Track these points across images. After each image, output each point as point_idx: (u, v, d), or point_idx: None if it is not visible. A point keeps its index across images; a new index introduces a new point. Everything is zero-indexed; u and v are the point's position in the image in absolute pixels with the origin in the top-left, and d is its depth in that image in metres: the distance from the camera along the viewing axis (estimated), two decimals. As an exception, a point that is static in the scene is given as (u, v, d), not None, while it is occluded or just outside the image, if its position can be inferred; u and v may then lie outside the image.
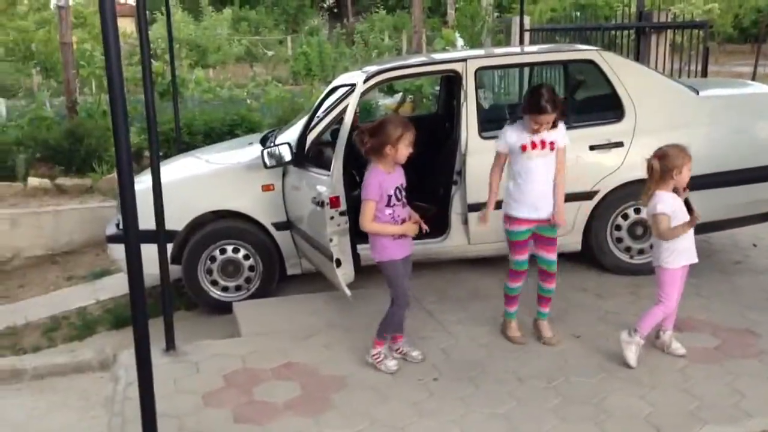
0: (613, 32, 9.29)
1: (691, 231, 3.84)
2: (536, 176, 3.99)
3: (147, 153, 10.14)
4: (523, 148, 3.95)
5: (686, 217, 3.79)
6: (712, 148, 5.09)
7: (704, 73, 7.76)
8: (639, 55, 8.74)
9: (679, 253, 3.80)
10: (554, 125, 3.98)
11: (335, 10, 39.02)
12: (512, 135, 4.00)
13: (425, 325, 4.52)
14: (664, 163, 3.73)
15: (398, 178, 3.85)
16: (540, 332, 4.23)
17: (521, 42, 9.39)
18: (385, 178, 3.77)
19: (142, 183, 4.81)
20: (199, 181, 5.44)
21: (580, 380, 3.75)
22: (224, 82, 13.06)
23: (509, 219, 4.08)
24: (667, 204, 3.75)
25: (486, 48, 12.03)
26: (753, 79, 11.52)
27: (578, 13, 12.01)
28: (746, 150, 5.21)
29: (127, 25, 18.76)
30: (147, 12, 3.93)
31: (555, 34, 10.74)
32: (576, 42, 9.60)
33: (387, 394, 3.70)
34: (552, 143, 3.99)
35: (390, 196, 3.79)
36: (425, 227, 3.92)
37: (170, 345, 4.23)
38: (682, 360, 3.91)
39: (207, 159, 5.87)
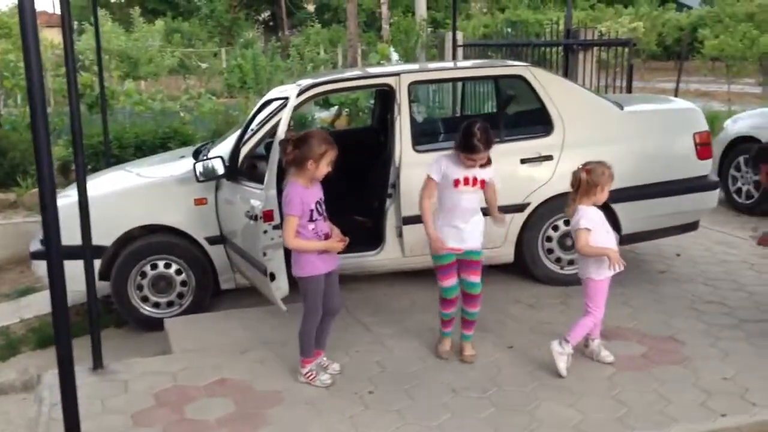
0: (542, 49, 9.54)
1: (616, 243, 3.97)
2: (465, 210, 4.01)
3: (73, 166, 9.92)
4: (456, 182, 3.95)
5: (608, 230, 3.90)
6: (636, 161, 5.28)
7: (629, 89, 8.05)
8: (567, 71, 9.01)
9: (606, 265, 3.91)
10: (488, 162, 4.00)
11: (270, 24, 38.89)
12: (447, 166, 3.98)
13: (361, 338, 4.52)
14: (590, 178, 3.84)
15: (317, 192, 3.83)
16: (461, 351, 4.21)
17: (454, 57, 9.54)
18: (305, 193, 3.74)
19: (69, 197, 4.69)
20: (129, 194, 5.31)
21: (513, 390, 3.81)
22: (156, 95, 12.80)
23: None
24: (589, 219, 3.85)
25: (420, 62, 12.18)
26: (676, 95, 12.02)
27: (509, 30, 12.28)
28: (667, 163, 5.41)
29: (54, 36, 18.23)
30: (75, 22, 3.85)
31: (487, 50, 10.96)
32: (508, 57, 9.84)
33: (322, 408, 3.67)
34: (483, 181, 4.02)
35: (312, 211, 3.77)
36: (346, 241, 3.84)
37: (98, 363, 4.11)
38: (610, 368, 4.02)
39: (137, 172, 5.74)
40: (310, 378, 3.94)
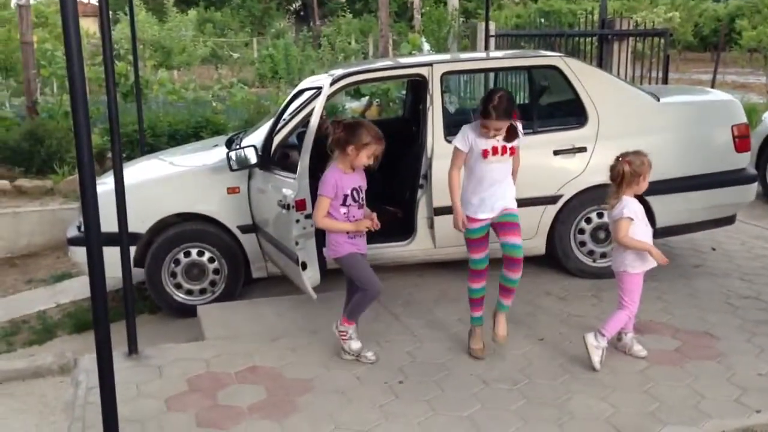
0: (576, 39, 9.43)
1: (651, 237, 3.92)
2: (494, 180, 3.97)
3: (110, 154, 10.07)
4: (484, 153, 3.91)
5: (646, 223, 3.87)
6: (671, 153, 5.20)
7: (665, 80, 7.93)
8: (601, 61, 8.90)
9: (643, 259, 3.87)
10: (514, 135, 3.95)
11: (301, 14, 38.97)
12: (474, 137, 3.95)
13: (390, 328, 4.53)
14: (632, 169, 3.80)
15: (357, 179, 3.89)
16: (495, 325, 4.09)
17: (486, 47, 9.48)
18: (342, 177, 3.83)
19: (105, 185, 4.75)
20: (163, 183, 5.38)
21: (544, 382, 3.79)
22: (189, 84, 12.92)
23: (467, 218, 4.03)
24: (632, 210, 3.83)
25: (452, 53, 12.11)
26: (712, 86, 11.80)
27: (543, 20, 12.16)
28: (704, 156, 5.33)
29: (89, 25, 18.47)
30: (110, 12, 3.90)
31: (520, 40, 10.86)
32: (540, 48, 9.73)
33: (352, 396, 3.69)
34: (512, 149, 3.99)
35: (346, 196, 3.84)
36: (377, 224, 3.90)
37: (133, 349, 4.17)
38: (643, 362, 3.98)
39: (171, 161, 5.81)
40: (344, 337, 4.03)
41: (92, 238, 2.57)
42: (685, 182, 5.22)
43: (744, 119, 5.42)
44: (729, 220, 5.56)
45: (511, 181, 4.08)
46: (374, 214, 3.96)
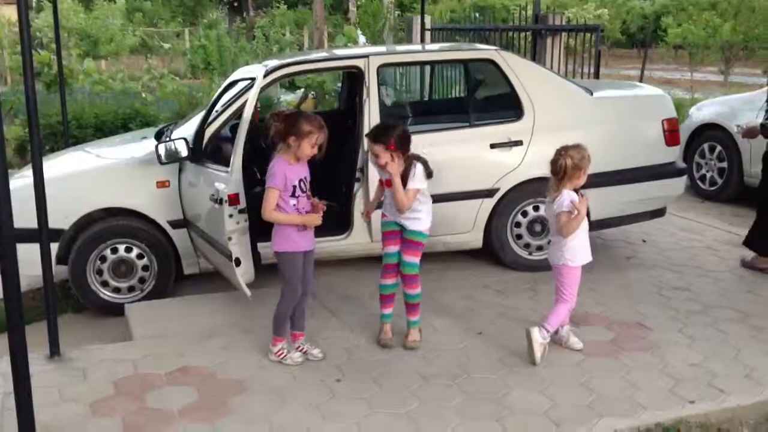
0: (510, 34, 9.50)
1: (586, 232, 3.94)
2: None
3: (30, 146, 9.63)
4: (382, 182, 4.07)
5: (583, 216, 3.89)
6: (605, 147, 5.24)
7: (596, 75, 8.03)
8: (535, 56, 8.96)
9: (582, 252, 3.89)
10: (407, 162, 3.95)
11: (235, 4, 38.23)
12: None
13: (328, 324, 4.44)
14: (574, 162, 3.80)
15: (302, 170, 3.85)
16: (406, 336, 4.16)
17: (422, 40, 9.45)
18: (289, 169, 3.77)
19: (26, 178, 4.51)
20: (89, 176, 5.14)
21: (482, 377, 3.77)
22: (117, 74, 12.49)
23: (382, 214, 4.15)
24: (571, 202, 3.83)
25: (389, 46, 12.05)
26: (641, 81, 12.08)
27: (477, 15, 12.22)
28: (636, 150, 5.41)
29: (12, 13, 17.68)
30: (31, -3, 3.67)
31: (455, 34, 10.88)
32: (475, 42, 9.75)
33: (288, 396, 3.59)
34: (388, 182, 3.98)
35: (294, 187, 3.78)
36: (322, 209, 3.87)
37: (54, 350, 3.96)
38: (579, 354, 4.00)
39: (98, 153, 5.57)
40: (281, 356, 3.91)
41: (4, 235, 2.39)
42: (619, 175, 5.29)
43: (674, 113, 5.53)
44: (660, 213, 5.67)
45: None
46: (322, 204, 3.88)
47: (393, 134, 3.88)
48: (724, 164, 7.60)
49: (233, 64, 16.56)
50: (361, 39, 12.95)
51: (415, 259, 4.07)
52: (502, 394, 3.59)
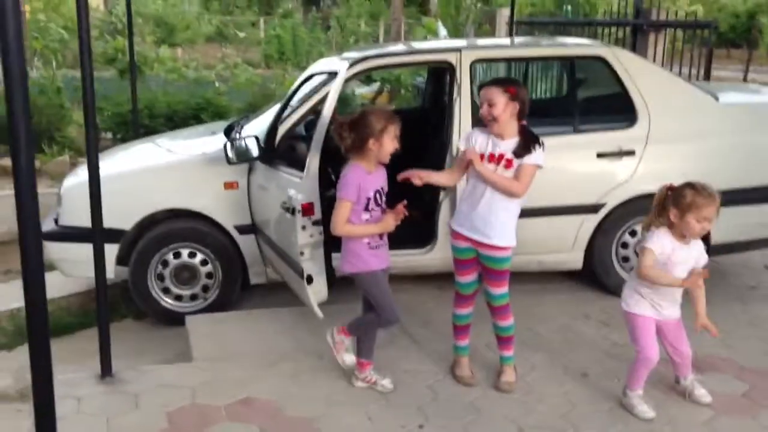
0: (600, 29, 8.75)
1: (678, 290, 3.25)
2: (477, 192, 3.39)
3: (104, 135, 9.44)
4: (481, 156, 3.36)
5: (680, 272, 3.18)
6: (733, 160, 4.60)
7: (707, 77, 7.26)
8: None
9: (644, 302, 3.24)
10: (524, 150, 3.31)
11: (311, -6, 38.13)
12: (476, 138, 3.43)
13: (408, 354, 3.91)
14: (676, 196, 3.09)
15: (380, 179, 3.34)
16: (500, 374, 3.60)
17: (512, 34, 8.81)
18: (366, 178, 3.27)
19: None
20: (152, 174, 4.75)
21: (592, 433, 3.19)
22: (191, 63, 12.27)
23: (451, 231, 3.53)
24: (659, 243, 3.13)
25: (479, 39, 11.45)
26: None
27: (569, 8, 11.46)
28: (766, 165, 4.70)
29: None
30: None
31: (540, 28, 10.20)
32: (558, 37, 9.06)
33: (364, 444, 3.09)
34: (509, 160, 3.33)
35: (369, 199, 3.27)
36: (402, 213, 3.30)
37: (106, 370, 3.55)
38: (707, 410, 3.36)
39: (168, 147, 5.19)
40: (371, 381, 3.49)
41: (29, 239, 1.93)
42: (747, 194, 4.59)
43: (813, 123, 4.79)
44: (789, 238, 4.92)
45: (497, 206, 3.36)
46: (400, 206, 3.32)
47: (516, 83, 3.37)
48: None
49: (308, 55, 16.27)
50: (442, 32, 12.36)
51: (503, 290, 3.48)
52: (617, 459, 3.01)
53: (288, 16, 21.98)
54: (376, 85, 12.22)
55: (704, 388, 3.46)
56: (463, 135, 3.56)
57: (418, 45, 6.22)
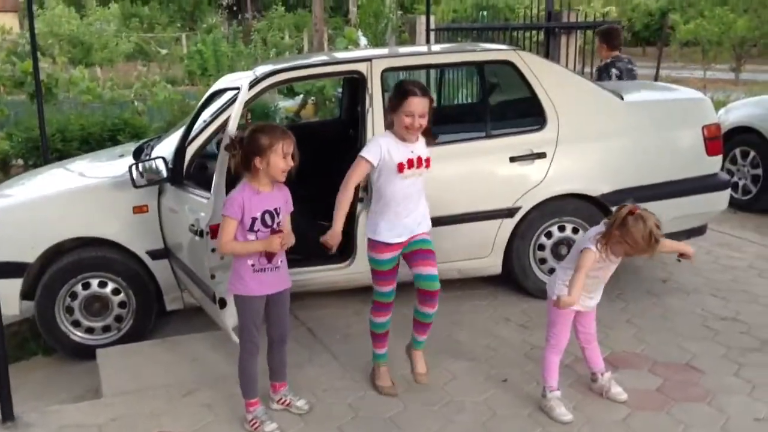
0: (517, 33, 8.90)
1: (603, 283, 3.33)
2: (410, 196, 3.43)
3: (15, 162, 9.07)
4: (400, 167, 3.34)
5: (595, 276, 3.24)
6: (639, 158, 4.71)
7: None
8: (548, 56, 8.37)
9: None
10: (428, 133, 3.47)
11: (234, 8, 37.79)
12: (389, 148, 3.37)
13: (329, 371, 3.84)
14: (622, 227, 3.07)
15: (272, 200, 3.20)
16: (412, 364, 3.63)
17: (428, 41, 8.86)
18: (252, 199, 3.15)
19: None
20: (56, 201, 4.53)
21: (512, 440, 3.18)
22: (107, 82, 11.92)
23: (375, 244, 3.46)
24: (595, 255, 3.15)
25: (391, 47, 11.48)
26: (655, 81, 11.44)
27: (484, 13, 11.62)
28: (675, 161, 4.81)
29: (4, 21, 17.15)
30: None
31: (459, 34, 10.30)
32: (480, 42, 9.17)
33: (281, 472, 3.00)
34: (428, 160, 3.44)
35: (254, 220, 3.15)
36: (287, 239, 3.19)
37: (7, 415, 3.36)
38: (623, 408, 3.40)
39: (80, 171, 4.99)
40: (255, 426, 3.30)
41: None
42: (654, 190, 4.68)
43: (716, 119, 4.94)
44: (700, 231, 5.05)
45: (425, 200, 3.53)
46: (286, 229, 3.25)
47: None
48: (759, 171, 6.99)
49: (230, 70, 16.03)
50: (362, 41, 12.35)
51: (436, 269, 3.46)
52: (537, 464, 3.00)
53: (210, 32, 21.67)
54: (299, 98, 12.12)
55: (620, 385, 3.50)
56: (370, 148, 3.43)
57: (332, 56, 6.17)
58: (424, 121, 3.34)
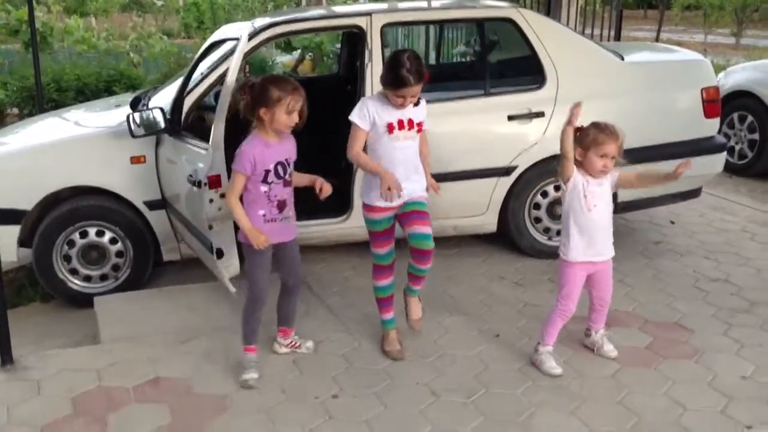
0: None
1: (603, 223, 3.33)
2: (402, 161, 3.38)
3: (9, 110, 9.01)
4: (389, 127, 3.33)
5: (600, 208, 3.31)
6: (638, 119, 4.68)
7: (617, 38, 7.40)
8: (549, 16, 8.30)
9: (579, 246, 3.30)
10: (417, 102, 3.40)
11: (231, -40, 37.02)
12: (375, 109, 3.34)
13: (324, 324, 3.89)
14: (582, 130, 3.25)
15: (283, 151, 3.23)
16: (408, 310, 3.66)
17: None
18: (264, 151, 3.17)
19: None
20: (54, 150, 4.53)
21: (503, 392, 3.23)
22: (102, 33, 11.78)
23: (369, 207, 3.47)
24: (571, 180, 3.29)
25: (391, 2, 11.34)
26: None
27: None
28: (673, 122, 4.82)
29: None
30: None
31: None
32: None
33: (277, 418, 3.06)
34: (420, 124, 3.41)
35: (268, 172, 3.18)
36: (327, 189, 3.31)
37: (6, 358, 3.41)
38: (613, 364, 3.46)
39: (76, 120, 4.98)
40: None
41: None
42: (652, 152, 4.67)
43: (715, 81, 4.93)
44: (695, 193, 5.09)
45: (420, 164, 3.49)
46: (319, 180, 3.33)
47: (422, 63, 3.29)
48: (756, 135, 7.00)
49: (227, 23, 15.80)
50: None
51: (431, 228, 3.44)
52: (527, 416, 3.07)
53: (207, -18, 21.26)
54: (297, 53, 12.01)
55: (611, 343, 3.56)
56: (357, 113, 3.37)
57: (330, 9, 6.10)
58: (414, 99, 3.32)
